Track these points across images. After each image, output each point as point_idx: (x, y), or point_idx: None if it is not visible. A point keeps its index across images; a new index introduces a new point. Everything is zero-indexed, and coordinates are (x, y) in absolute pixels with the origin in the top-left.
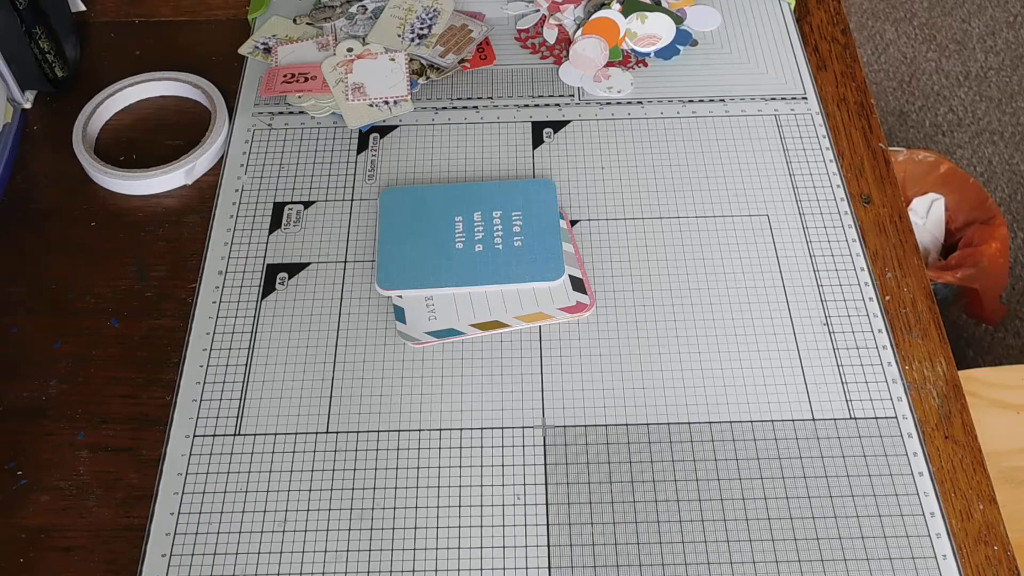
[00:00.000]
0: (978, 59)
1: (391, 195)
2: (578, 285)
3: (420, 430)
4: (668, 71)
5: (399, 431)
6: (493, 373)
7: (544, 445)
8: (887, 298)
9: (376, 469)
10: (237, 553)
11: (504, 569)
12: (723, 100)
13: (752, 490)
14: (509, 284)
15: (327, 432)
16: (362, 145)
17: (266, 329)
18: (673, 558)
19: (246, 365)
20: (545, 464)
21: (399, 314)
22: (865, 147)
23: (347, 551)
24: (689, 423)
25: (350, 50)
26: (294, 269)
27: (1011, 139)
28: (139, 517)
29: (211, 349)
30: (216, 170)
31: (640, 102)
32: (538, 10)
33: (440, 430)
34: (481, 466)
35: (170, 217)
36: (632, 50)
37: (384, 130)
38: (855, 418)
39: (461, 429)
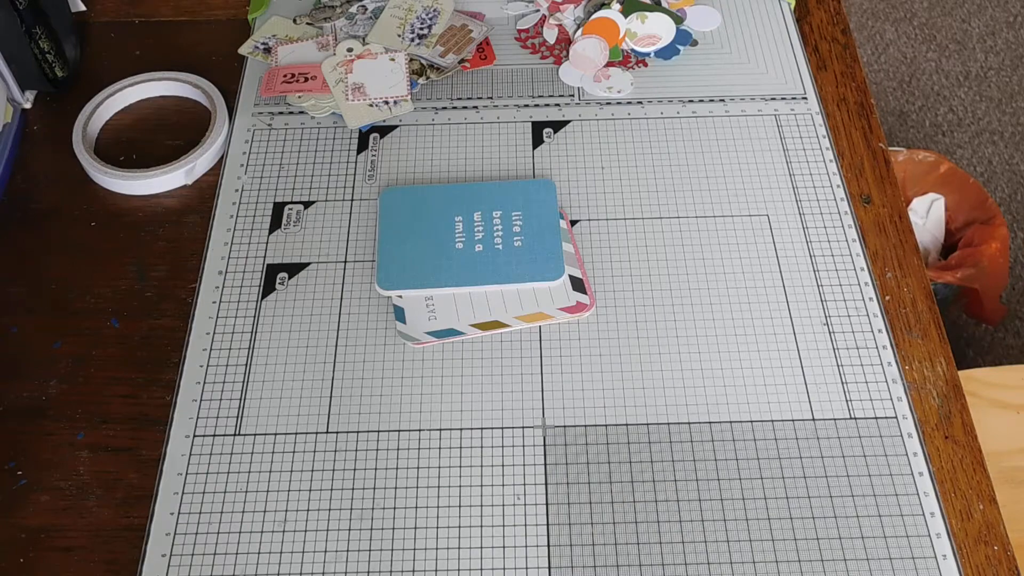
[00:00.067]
0: (978, 59)
1: (391, 195)
2: (578, 285)
3: (420, 430)
4: (668, 71)
5: (399, 431)
6: (493, 373)
7: (544, 445)
8: (887, 298)
9: (376, 469)
10: (237, 553)
11: (504, 569)
12: (723, 100)
13: (752, 490)
14: (509, 284)
15: (327, 432)
16: (362, 145)
17: (266, 329)
18: (673, 558)
19: (246, 365)
20: (545, 464)
21: (399, 314)
22: (865, 147)
23: (347, 551)
24: (689, 423)
25: (350, 50)
26: (294, 269)
27: (1011, 139)
28: (139, 517)
29: (211, 349)
30: (216, 170)
31: (640, 102)
32: (538, 10)
33: (440, 430)
34: (481, 466)
35: (170, 217)
36: (632, 50)
37: (384, 130)
38: (855, 418)
39: (461, 429)
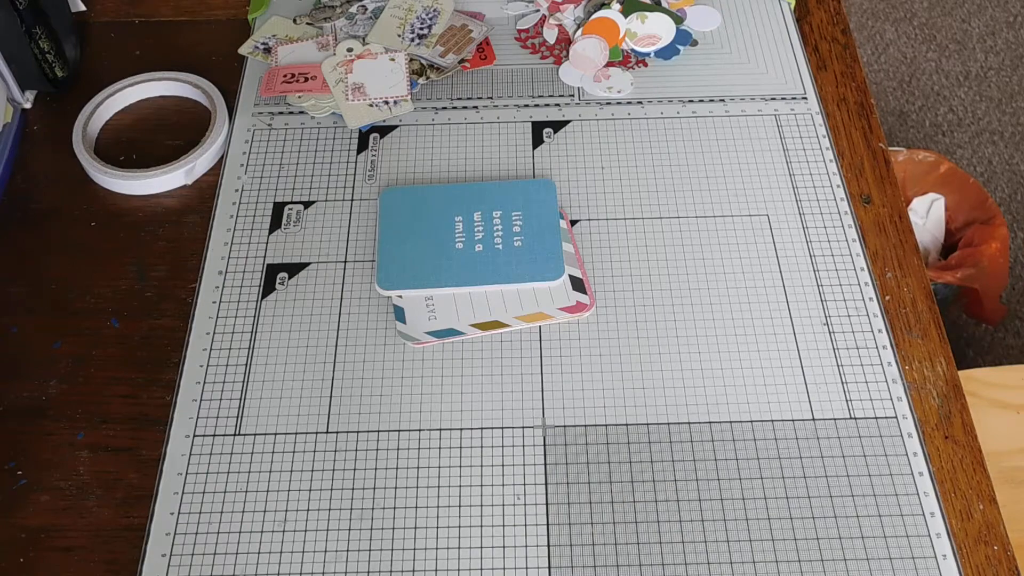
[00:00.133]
0: (978, 59)
1: (391, 195)
2: (578, 285)
3: (420, 430)
4: (668, 71)
5: (399, 431)
6: (493, 373)
7: (544, 445)
8: (887, 298)
9: (376, 469)
10: (237, 553)
11: (504, 569)
12: (723, 100)
13: (752, 490)
14: (509, 284)
15: (327, 432)
16: (362, 145)
17: (266, 329)
18: (673, 558)
19: (246, 365)
20: (545, 464)
21: (399, 314)
22: (865, 147)
23: (347, 551)
24: (689, 423)
25: (350, 50)
26: (294, 269)
27: (1011, 139)
28: (139, 517)
29: (211, 349)
30: (216, 170)
31: (640, 102)
32: (538, 10)
33: (440, 430)
34: (481, 466)
35: (170, 217)
36: (632, 50)
37: (384, 130)
38: (855, 418)
39: (461, 429)
